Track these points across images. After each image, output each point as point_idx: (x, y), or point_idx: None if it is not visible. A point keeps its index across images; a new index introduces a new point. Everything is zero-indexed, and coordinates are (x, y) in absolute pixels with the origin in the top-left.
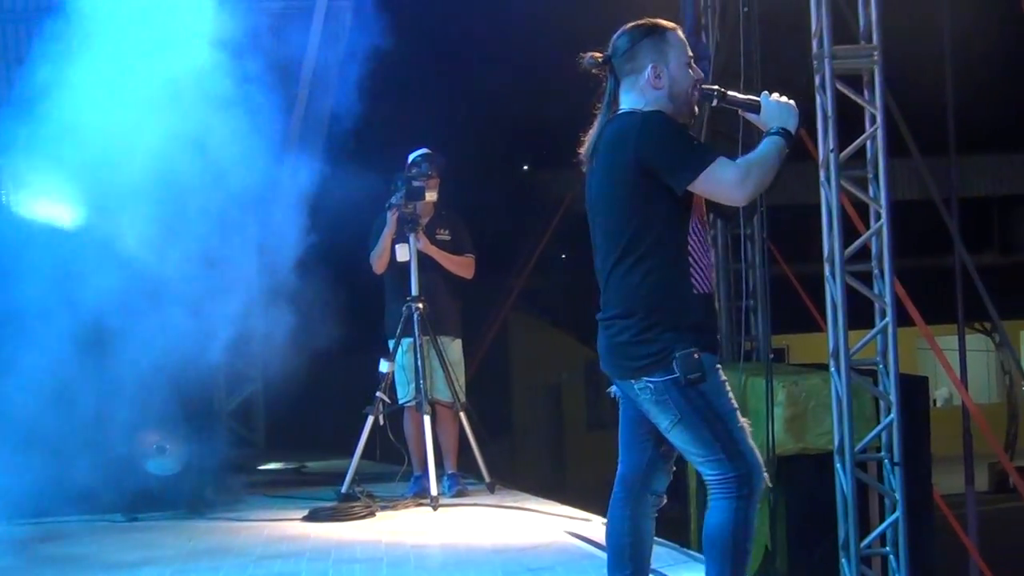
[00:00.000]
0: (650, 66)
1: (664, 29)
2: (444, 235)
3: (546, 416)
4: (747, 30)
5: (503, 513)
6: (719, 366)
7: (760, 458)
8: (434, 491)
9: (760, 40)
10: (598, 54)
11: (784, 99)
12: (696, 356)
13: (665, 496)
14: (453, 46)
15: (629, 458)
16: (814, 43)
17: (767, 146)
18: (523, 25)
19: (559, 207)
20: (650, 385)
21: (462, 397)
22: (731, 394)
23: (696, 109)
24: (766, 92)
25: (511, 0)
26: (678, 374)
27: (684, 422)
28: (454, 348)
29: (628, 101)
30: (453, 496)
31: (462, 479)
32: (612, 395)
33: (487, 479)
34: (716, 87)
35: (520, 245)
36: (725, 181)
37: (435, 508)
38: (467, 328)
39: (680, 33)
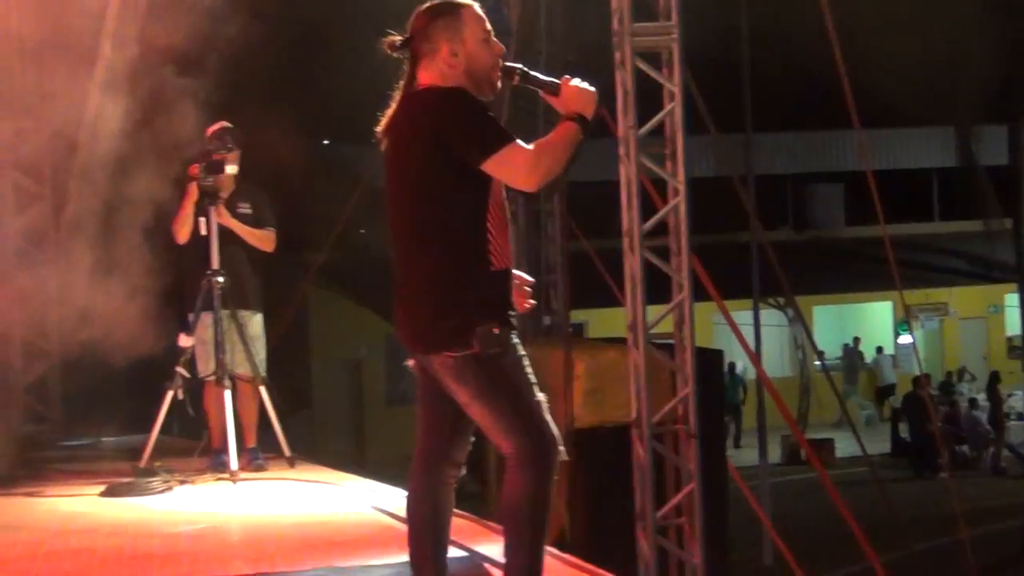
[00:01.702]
0: (445, 44)
1: (458, 6)
2: (245, 209)
3: (346, 391)
4: (549, 7)
5: (304, 487)
6: (518, 341)
7: (556, 432)
8: (234, 465)
9: (561, 17)
10: (397, 37)
11: (584, 85)
12: (496, 331)
13: (464, 467)
14: (253, 18)
15: (428, 431)
16: (614, 20)
17: (560, 132)
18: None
19: (359, 182)
20: (450, 359)
21: (262, 372)
22: (529, 369)
23: (499, 84)
24: (567, 76)
25: None
26: (478, 348)
27: (483, 396)
28: (255, 322)
29: (426, 79)
30: (253, 471)
31: (262, 454)
32: (410, 369)
33: (287, 454)
34: (518, 65)
35: (321, 220)
36: (516, 165)
37: (235, 483)
38: (267, 303)
39: (477, 9)
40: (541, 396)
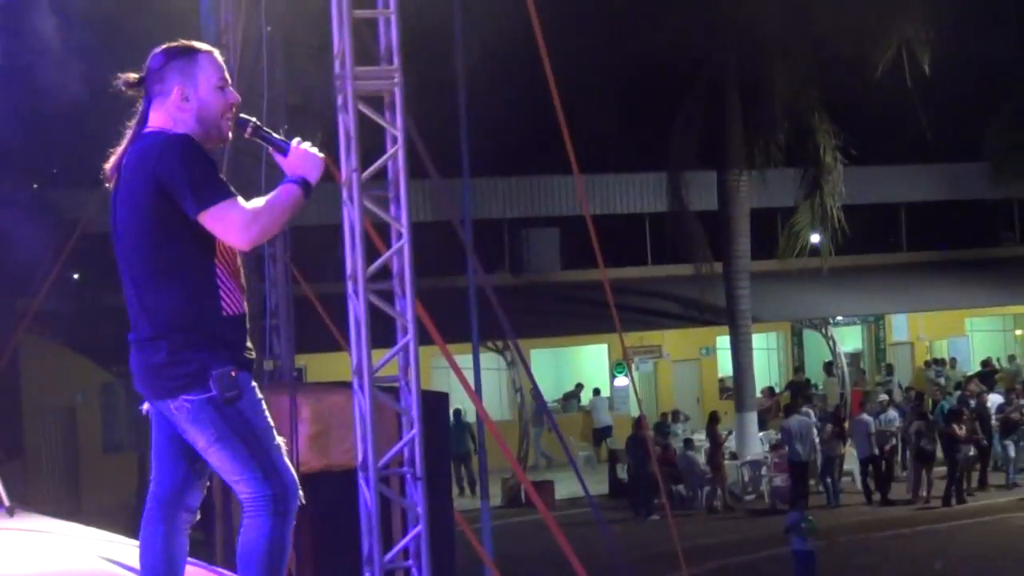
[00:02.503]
0: (176, 87)
1: (196, 51)
2: None
3: (60, 438)
4: (270, 50)
5: (26, 537)
6: (255, 384)
7: (296, 476)
8: None
9: (284, 60)
10: (133, 75)
11: (313, 150)
12: (233, 374)
13: (199, 513)
14: None
15: (162, 475)
16: (336, 64)
17: (282, 194)
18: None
19: (74, 227)
20: (187, 404)
21: None
22: (267, 412)
23: (229, 134)
24: (298, 139)
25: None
26: (215, 392)
27: (221, 441)
28: None
29: (157, 120)
30: None
31: None
32: (145, 413)
33: (6, 503)
34: (252, 119)
35: (33, 266)
36: (231, 223)
37: None
38: None
39: (216, 56)
40: (280, 440)
